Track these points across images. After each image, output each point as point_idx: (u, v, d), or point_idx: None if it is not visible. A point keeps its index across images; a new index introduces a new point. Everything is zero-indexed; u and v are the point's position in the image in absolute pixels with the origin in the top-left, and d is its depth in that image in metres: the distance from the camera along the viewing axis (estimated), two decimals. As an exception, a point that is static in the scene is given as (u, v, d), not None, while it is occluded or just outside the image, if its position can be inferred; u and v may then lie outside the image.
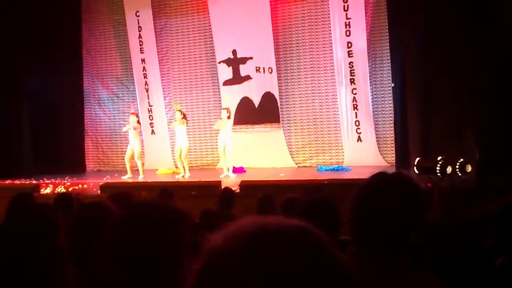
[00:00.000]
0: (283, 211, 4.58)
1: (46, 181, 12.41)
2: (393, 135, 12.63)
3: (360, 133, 13.12)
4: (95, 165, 15.61)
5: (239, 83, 14.01)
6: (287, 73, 13.92)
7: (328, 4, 13.23)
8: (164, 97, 14.91)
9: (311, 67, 13.72)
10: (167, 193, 6.17)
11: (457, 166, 9.22)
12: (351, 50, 12.95)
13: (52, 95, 14.41)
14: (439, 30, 10.67)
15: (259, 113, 13.88)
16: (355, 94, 13.03)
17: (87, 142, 15.46)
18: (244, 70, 13.93)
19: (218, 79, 14.31)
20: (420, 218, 1.77)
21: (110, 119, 15.53)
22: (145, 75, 14.87)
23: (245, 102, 13.97)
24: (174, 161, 13.94)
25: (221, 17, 13.86)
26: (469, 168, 9.31)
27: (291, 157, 13.93)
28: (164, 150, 14.77)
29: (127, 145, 13.11)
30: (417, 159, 9.83)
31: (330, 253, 0.86)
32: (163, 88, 14.90)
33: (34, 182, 12.32)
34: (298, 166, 13.79)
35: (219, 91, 14.27)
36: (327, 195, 3.98)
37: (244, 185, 9.89)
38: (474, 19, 10.20)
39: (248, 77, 13.93)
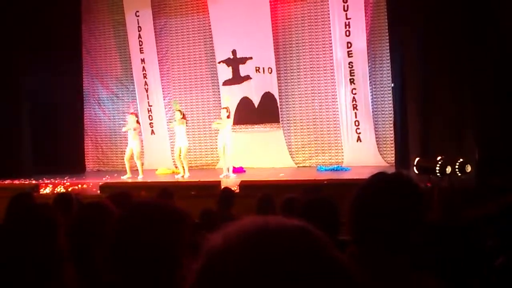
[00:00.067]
0: (282, 211, 4.58)
1: (46, 181, 12.40)
2: (392, 135, 12.63)
3: (359, 133, 13.12)
4: (95, 165, 15.61)
5: (238, 83, 14.01)
6: (286, 73, 13.92)
7: (328, 4, 13.23)
8: (163, 97, 14.91)
9: (311, 67, 13.72)
10: (166, 193, 6.17)
11: (456, 166, 9.21)
12: (351, 50, 12.95)
13: (52, 95, 14.41)
14: (439, 30, 10.67)
15: (259, 113, 13.88)
16: (355, 94, 13.03)
17: (86, 142, 15.46)
18: (243, 70, 13.93)
19: (217, 79, 14.31)
20: (420, 218, 1.77)
21: (109, 119, 15.53)
22: (144, 75, 14.87)
23: (245, 102, 13.97)
24: (173, 161, 13.94)
25: (221, 17, 13.86)
26: (468, 168, 9.30)
27: (291, 157, 13.93)
28: (164, 150, 14.77)
29: (126, 145, 13.11)
30: (417, 159, 9.82)
31: (329, 253, 0.86)
32: (162, 88, 14.90)
33: (33, 182, 12.32)
34: (298, 166, 13.79)
35: (219, 91, 14.27)
36: (326, 195, 3.98)
37: (243, 185, 9.89)
38: (474, 19, 10.20)
39: (247, 77, 13.93)
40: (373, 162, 12.70)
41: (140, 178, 12.66)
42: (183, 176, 12.54)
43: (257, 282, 0.80)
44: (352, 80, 13.02)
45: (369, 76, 13.02)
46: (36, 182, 12.21)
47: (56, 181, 12.39)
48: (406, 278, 1.70)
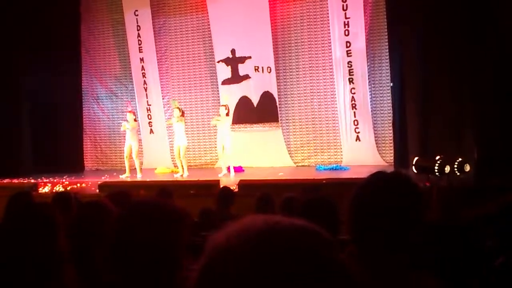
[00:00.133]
0: (282, 210, 4.58)
1: (45, 180, 12.39)
2: (391, 134, 12.63)
3: (358, 132, 13.13)
4: (94, 164, 15.60)
5: (237, 83, 14.00)
6: (286, 73, 13.92)
7: (327, 3, 13.22)
8: (162, 96, 14.90)
9: (310, 67, 13.72)
10: (165, 192, 6.16)
11: (455, 166, 9.23)
12: (350, 50, 12.94)
13: (50, 94, 14.41)
14: (438, 30, 10.67)
15: (258, 112, 13.88)
16: (354, 93, 13.03)
17: (85, 141, 15.46)
18: (243, 69, 13.92)
19: (216, 79, 14.30)
20: (419, 218, 1.77)
21: (108, 118, 15.52)
22: (143, 74, 14.86)
23: (244, 102, 13.97)
24: (173, 160, 13.93)
25: (220, 16, 13.86)
26: (467, 168, 9.32)
27: (290, 156, 13.93)
28: (163, 149, 14.76)
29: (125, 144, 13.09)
30: (416, 158, 9.84)
31: (332, 255, 0.86)
32: (161, 87, 14.90)
33: (32, 181, 12.31)
34: (297, 166, 13.79)
35: (218, 91, 14.26)
36: (325, 195, 3.98)
37: (242, 184, 9.89)
38: (473, 19, 10.21)
39: (247, 77, 13.92)
40: (372, 161, 12.70)
41: (139, 177, 12.65)
42: (182, 175, 12.54)
43: (257, 283, 0.79)
44: (351, 79, 13.02)
45: (368, 76, 13.02)
46: (35, 181, 12.20)
47: (55, 180, 12.38)
48: (405, 277, 1.70)
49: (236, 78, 14.00)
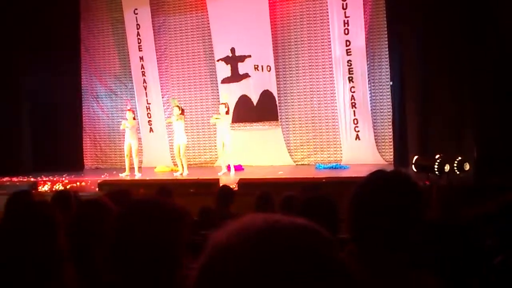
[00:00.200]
0: (281, 209, 4.58)
1: (44, 179, 12.39)
2: (391, 133, 12.63)
3: (358, 131, 13.13)
4: (93, 162, 15.60)
5: (237, 81, 14.00)
6: (285, 71, 13.92)
7: (327, 2, 13.21)
8: (162, 95, 14.90)
9: (310, 65, 13.72)
10: (165, 190, 6.16)
11: (455, 165, 9.23)
12: (350, 48, 12.94)
13: (50, 93, 14.41)
14: (438, 29, 10.67)
15: (258, 111, 13.87)
16: (354, 92, 13.03)
17: (85, 140, 15.46)
18: (242, 68, 13.92)
19: (216, 77, 14.30)
20: (419, 217, 1.77)
21: (108, 116, 15.51)
22: (143, 72, 14.86)
23: (244, 100, 13.96)
24: (172, 159, 13.93)
25: (219, 15, 13.85)
26: (467, 167, 9.32)
27: (290, 155, 13.93)
28: (163, 147, 14.76)
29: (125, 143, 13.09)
30: (415, 157, 9.83)
31: (332, 254, 0.86)
32: (161, 86, 14.89)
33: (32, 179, 12.32)
34: (297, 164, 13.79)
35: (218, 89, 14.26)
36: (325, 193, 3.98)
37: (242, 183, 9.90)
38: (473, 18, 10.21)
39: (246, 75, 13.92)
40: (372, 160, 12.70)
41: (138, 175, 12.66)
42: (181, 174, 12.54)
43: (257, 281, 0.79)
44: (350, 78, 13.02)
45: (368, 74, 13.02)
46: (35, 179, 12.21)
47: (55, 179, 12.38)
48: (405, 276, 1.70)
49: (235, 76, 13.99)
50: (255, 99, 13.89)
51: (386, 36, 12.54)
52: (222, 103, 12.68)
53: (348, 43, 12.94)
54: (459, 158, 9.30)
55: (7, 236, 2.23)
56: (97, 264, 1.72)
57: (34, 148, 14.31)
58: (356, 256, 1.66)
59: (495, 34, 10.09)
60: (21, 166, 13.72)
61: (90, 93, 15.58)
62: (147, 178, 12.11)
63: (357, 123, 13.10)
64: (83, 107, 15.40)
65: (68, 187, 11.11)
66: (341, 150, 13.46)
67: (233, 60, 13.98)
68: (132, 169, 12.89)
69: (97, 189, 10.51)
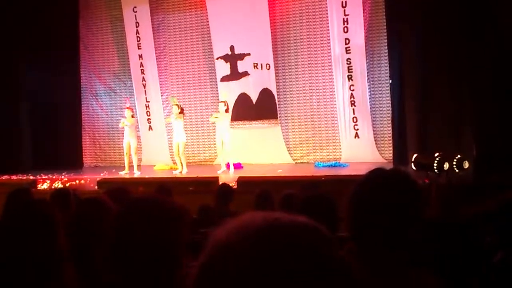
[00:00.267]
0: (281, 207, 4.58)
1: (43, 177, 12.38)
2: (390, 131, 12.63)
3: (357, 129, 13.13)
4: (92, 160, 15.59)
5: (236, 79, 13.99)
6: (284, 70, 13.91)
7: (326, 0, 13.21)
8: (161, 93, 14.89)
9: (309, 64, 13.71)
10: (164, 189, 6.16)
11: (454, 163, 9.22)
12: (349, 47, 12.93)
13: (49, 91, 14.38)
14: (437, 27, 10.67)
15: (257, 109, 13.87)
16: (353, 90, 13.03)
17: (84, 138, 15.45)
18: (241, 66, 13.91)
19: (215, 75, 14.29)
20: (418, 215, 1.77)
21: (107, 114, 15.51)
22: (142, 71, 14.85)
23: (243, 98, 13.96)
24: (172, 157, 13.93)
25: (218, 13, 13.84)
26: (466, 165, 9.31)
27: (289, 153, 13.93)
28: (162, 146, 14.76)
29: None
30: (415, 155, 9.83)
31: (333, 253, 0.86)
32: (160, 84, 14.88)
33: (31, 177, 12.30)
34: (296, 162, 13.79)
35: (217, 87, 14.26)
36: (324, 192, 3.98)
37: (241, 181, 9.90)
38: (472, 16, 10.20)
39: (245, 73, 13.91)
40: (371, 158, 12.71)
41: (137, 174, 12.65)
42: (181, 172, 12.53)
43: (257, 279, 0.79)
44: (350, 76, 13.02)
45: (367, 73, 13.02)
46: (34, 177, 12.20)
47: (54, 177, 12.36)
48: (405, 274, 1.70)
49: (235, 75, 13.99)
50: (254, 97, 13.89)
51: (386, 34, 12.54)
52: (221, 101, 12.66)
53: (347, 41, 12.93)
54: (459, 156, 9.30)
55: (7, 235, 2.23)
56: (97, 263, 1.72)
57: (33, 146, 14.30)
58: (355, 254, 1.66)
59: (494, 32, 10.08)
60: (20, 164, 13.71)
61: (89, 91, 15.57)
62: (147, 176, 12.10)
63: (357, 121, 13.10)
64: (82, 105, 15.39)
65: (67, 185, 11.11)
66: (340, 148, 13.46)
67: (232, 58, 13.97)
68: (131, 167, 12.88)
69: (96, 187, 10.52)
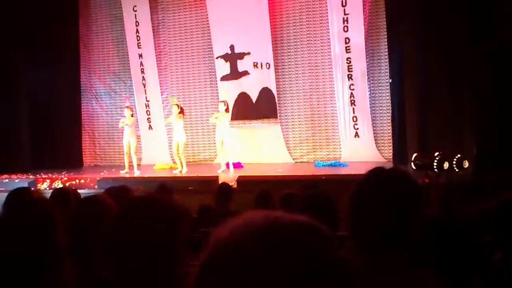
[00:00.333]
0: (281, 207, 4.58)
1: (43, 176, 12.39)
2: (390, 131, 12.63)
3: (357, 129, 13.13)
4: (92, 160, 15.59)
5: (236, 79, 13.99)
6: (284, 69, 13.91)
7: (326, -1, 13.23)
8: (161, 92, 14.89)
9: (309, 63, 13.71)
10: (164, 188, 6.16)
11: (454, 162, 9.22)
12: (349, 46, 12.93)
13: (49, 90, 14.37)
14: (437, 26, 10.66)
15: (257, 108, 13.87)
16: (353, 90, 13.03)
17: (84, 137, 15.46)
18: (241, 65, 13.91)
19: (215, 75, 14.29)
20: (418, 214, 1.77)
21: (107, 114, 15.51)
22: (142, 70, 14.85)
23: (243, 98, 13.96)
24: (171, 156, 13.93)
25: (218, 12, 13.84)
26: (466, 164, 9.31)
27: (289, 152, 13.93)
28: (162, 145, 14.77)
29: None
30: (414, 154, 9.83)
31: (335, 252, 0.86)
32: (160, 83, 14.88)
33: (31, 177, 12.31)
34: (296, 162, 13.80)
35: (217, 87, 14.25)
36: (324, 191, 3.98)
37: (241, 180, 9.91)
38: (472, 16, 10.19)
39: (245, 73, 13.91)
40: (371, 158, 12.70)
41: (137, 173, 12.65)
42: (181, 171, 12.53)
43: (260, 278, 0.79)
44: (350, 75, 13.02)
45: (367, 72, 13.02)
46: (34, 177, 12.21)
47: (54, 176, 12.37)
48: (404, 274, 1.70)
49: (235, 74, 13.99)
50: (254, 96, 13.89)
51: (386, 33, 12.54)
52: (221, 101, 12.66)
53: (347, 41, 12.93)
54: (458, 155, 9.29)
55: (7, 233, 2.23)
56: (97, 261, 1.72)
57: (33, 145, 14.29)
58: (355, 253, 1.66)
59: (494, 33, 10.08)
60: (20, 163, 13.70)
61: (89, 90, 15.57)
62: (146, 176, 12.11)
63: (356, 120, 13.10)
64: (82, 105, 15.39)
65: (67, 184, 11.11)
66: (340, 148, 13.46)
67: (232, 57, 13.97)
68: (131, 166, 12.88)
69: (96, 186, 10.52)
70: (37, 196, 3.03)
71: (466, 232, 3.20)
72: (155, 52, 14.77)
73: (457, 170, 9.21)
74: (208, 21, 14.14)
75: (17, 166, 13.40)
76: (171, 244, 1.68)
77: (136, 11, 14.68)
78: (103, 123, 15.58)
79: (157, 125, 14.90)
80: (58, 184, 11.17)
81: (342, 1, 12.89)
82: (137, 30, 14.73)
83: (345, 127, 13.23)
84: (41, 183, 11.37)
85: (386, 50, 12.60)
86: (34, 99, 14.33)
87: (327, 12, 13.25)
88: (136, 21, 14.70)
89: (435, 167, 9.07)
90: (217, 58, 14.12)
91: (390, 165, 11.16)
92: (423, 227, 1.80)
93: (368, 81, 13.04)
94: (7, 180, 11.95)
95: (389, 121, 12.67)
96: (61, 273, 2.17)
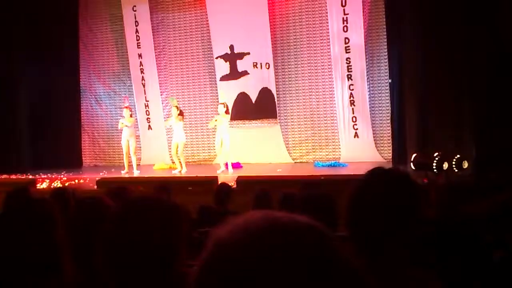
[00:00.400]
0: (280, 207, 4.58)
1: (43, 176, 12.39)
2: (390, 131, 12.63)
3: (357, 129, 13.13)
4: (92, 160, 15.58)
5: (236, 79, 13.99)
6: (284, 69, 13.91)
7: (326, -1, 13.23)
8: (161, 92, 14.89)
9: (309, 63, 13.71)
10: (164, 188, 6.16)
11: (453, 162, 9.23)
12: (349, 46, 12.93)
13: (49, 90, 14.38)
14: (437, 27, 10.66)
15: (256, 108, 13.87)
16: (352, 90, 13.03)
17: (83, 137, 15.45)
18: (241, 65, 13.91)
19: (215, 75, 14.28)
20: (417, 214, 1.77)
21: (107, 114, 15.50)
22: (142, 70, 14.85)
23: (242, 98, 13.96)
24: (171, 157, 13.92)
25: (218, 12, 13.83)
26: (465, 165, 9.32)
27: (288, 152, 13.93)
28: (161, 145, 14.76)
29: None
30: (414, 155, 9.83)
31: (338, 253, 0.86)
32: (160, 83, 14.88)
33: (30, 177, 12.31)
34: (295, 162, 13.79)
35: (216, 87, 14.25)
36: (324, 191, 3.98)
37: (241, 180, 9.90)
38: (472, 16, 10.19)
39: (245, 73, 13.91)
40: (370, 158, 12.70)
41: (137, 173, 12.65)
42: (180, 172, 12.53)
43: (261, 278, 0.79)
44: (349, 76, 13.02)
45: (367, 72, 13.02)
46: (33, 177, 12.20)
47: (53, 176, 12.37)
48: (404, 274, 1.70)
49: (234, 74, 13.98)
50: (254, 96, 13.89)
51: (385, 33, 12.55)
52: (220, 103, 12.64)
53: (347, 41, 12.93)
54: (458, 156, 9.30)
55: (6, 233, 2.23)
56: (96, 262, 1.72)
57: (32, 145, 14.29)
58: (355, 254, 1.66)
59: (494, 33, 10.08)
60: (20, 163, 13.70)
61: (88, 90, 15.57)
62: (146, 176, 12.11)
63: (356, 121, 13.10)
64: (82, 105, 15.39)
65: (66, 184, 11.10)
66: (339, 148, 13.46)
67: (232, 57, 13.97)
68: (130, 166, 12.87)
69: (95, 186, 10.52)
70: (37, 196, 3.03)
71: (465, 232, 3.20)
72: (155, 52, 14.77)
73: (456, 170, 9.22)
74: (207, 21, 14.14)
75: (17, 166, 13.40)
76: (170, 244, 1.67)
77: (135, 11, 14.68)
78: (103, 123, 15.57)
79: (156, 125, 14.89)
80: (57, 184, 11.16)
81: (341, 1, 12.89)
82: (136, 30, 14.73)
83: (345, 127, 13.23)
84: (40, 183, 11.36)
85: (386, 50, 12.61)
86: (34, 99, 14.32)
87: (326, 12, 13.24)
88: (136, 21, 14.70)
89: (434, 167, 9.08)
90: (216, 58, 14.12)
91: (390, 165, 11.18)
92: (422, 228, 1.80)
93: (367, 81, 13.03)
94: (6, 180, 11.94)
95: (389, 121, 12.67)
96: (61, 273, 2.17)
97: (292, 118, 13.95)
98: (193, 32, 14.61)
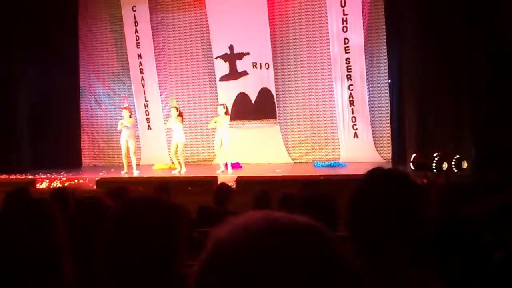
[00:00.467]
0: (280, 207, 4.58)
1: (42, 176, 12.39)
2: (389, 131, 12.63)
3: (356, 129, 13.13)
4: (91, 160, 15.58)
5: (235, 79, 13.99)
6: (283, 69, 13.91)
7: (325, -1, 13.23)
8: (160, 92, 14.88)
9: (308, 63, 13.71)
10: (163, 188, 6.16)
11: (453, 163, 9.23)
12: (348, 46, 12.93)
13: (49, 90, 14.38)
14: (436, 27, 10.66)
15: (256, 109, 13.87)
16: (352, 90, 13.03)
17: (83, 137, 15.44)
18: (240, 65, 13.91)
19: (214, 75, 14.28)
20: (417, 214, 1.77)
21: (106, 114, 15.50)
22: (141, 70, 14.84)
23: (242, 98, 13.95)
24: (170, 157, 13.92)
25: (218, 12, 13.83)
26: (465, 165, 9.32)
27: (288, 153, 13.93)
28: (161, 145, 14.75)
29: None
30: (413, 155, 9.84)
31: (338, 253, 0.86)
32: (159, 84, 14.88)
33: (30, 177, 12.30)
34: (295, 162, 13.79)
35: (216, 87, 14.25)
36: (323, 191, 3.98)
37: (240, 180, 9.90)
38: (472, 16, 10.20)
39: (244, 73, 13.91)
40: (370, 158, 12.70)
41: (136, 173, 12.64)
42: (180, 172, 12.53)
43: (261, 278, 0.79)
44: (349, 76, 13.02)
45: (366, 72, 13.02)
46: (33, 177, 12.20)
47: (53, 176, 12.37)
48: (404, 274, 1.70)
49: (234, 74, 13.98)
50: (253, 96, 13.89)
51: (385, 33, 12.55)
52: (220, 104, 12.63)
53: (346, 41, 12.93)
54: (457, 156, 9.31)
55: (6, 233, 2.23)
56: (96, 262, 1.72)
57: (32, 145, 14.29)
58: (354, 254, 1.66)
59: (493, 33, 10.08)
60: (19, 163, 13.70)
61: (88, 90, 15.56)
62: (145, 176, 12.11)
63: (355, 121, 13.10)
64: (82, 104, 15.39)
65: (66, 184, 11.10)
66: (339, 148, 13.46)
67: (231, 57, 13.97)
68: (130, 166, 12.87)
69: (95, 186, 10.52)
70: (37, 196, 3.03)
71: (465, 232, 3.20)
72: (154, 52, 14.77)
73: (456, 170, 9.22)
74: (207, 21, 14.14)
75: (16, 166, 13.39)
76: (170, 244, 1.67)
77: (135, 11, 14.67)
78: (102, 123, 15.57)
79: (156, 125, 14.89)
80: (57, 184, 11.16)
81: (341, 2, 12.89)
82: (136, 30, 14.73)
83: (344, 127, 13.23)
84: (40, 183, 11.36)
85: (385, 50, 12.62)
86: (34, 99, 14.32)
87: (326, 13, 13.25)
88: (135, 21, 14.70)
89: (434, 167, 9.08)
90: (216, 58, 14.12)
91: (389, 165, 11.19)
92: (423, 228, 1.80)
93: (367, 82, 13.04)
94: (5, 180, 11.93)
95: (388, 121, 12.68)
96: (61, 273, 2.17)
97: (291, 118, 13.95)
98: (192, 32, 14.61)
